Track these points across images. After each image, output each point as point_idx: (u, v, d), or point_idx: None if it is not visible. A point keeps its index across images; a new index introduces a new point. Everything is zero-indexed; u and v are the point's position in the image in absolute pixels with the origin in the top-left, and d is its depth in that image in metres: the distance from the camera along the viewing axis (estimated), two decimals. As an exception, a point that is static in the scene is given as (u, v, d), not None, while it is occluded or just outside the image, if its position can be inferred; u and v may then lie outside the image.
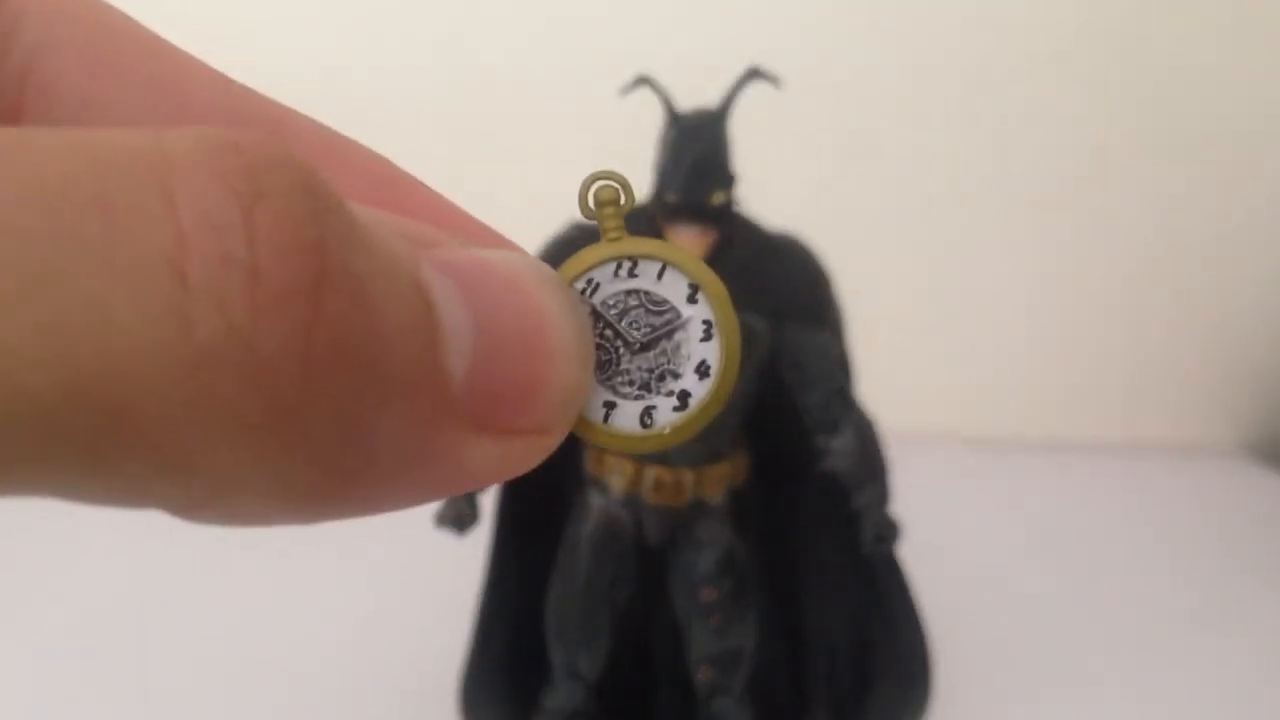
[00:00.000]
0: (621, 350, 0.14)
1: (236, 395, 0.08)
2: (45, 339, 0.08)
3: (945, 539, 0.48)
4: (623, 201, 0.14)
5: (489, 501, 0.35)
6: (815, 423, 0.33)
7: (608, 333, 0.14)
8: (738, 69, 0.31)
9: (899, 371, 0.61)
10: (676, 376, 0.14)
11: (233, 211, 0.08)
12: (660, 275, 0.14)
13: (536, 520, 0.37)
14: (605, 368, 0.14)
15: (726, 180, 0.31)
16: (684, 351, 0.14)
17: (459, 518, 0.33)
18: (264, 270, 0.08)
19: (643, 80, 0.32)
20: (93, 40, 0.13)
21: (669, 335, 0.14)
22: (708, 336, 0.14)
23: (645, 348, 0.14)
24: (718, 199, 0.31)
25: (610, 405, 0.14)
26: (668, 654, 0.37)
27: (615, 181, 0.14)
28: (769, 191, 0.36)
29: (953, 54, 0.65)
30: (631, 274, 0.14)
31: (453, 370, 0.10)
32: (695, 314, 0.14)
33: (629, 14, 0.64)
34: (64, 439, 0.08)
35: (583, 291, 0.14)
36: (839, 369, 0.33)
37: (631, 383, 0.14)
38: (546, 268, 0.12)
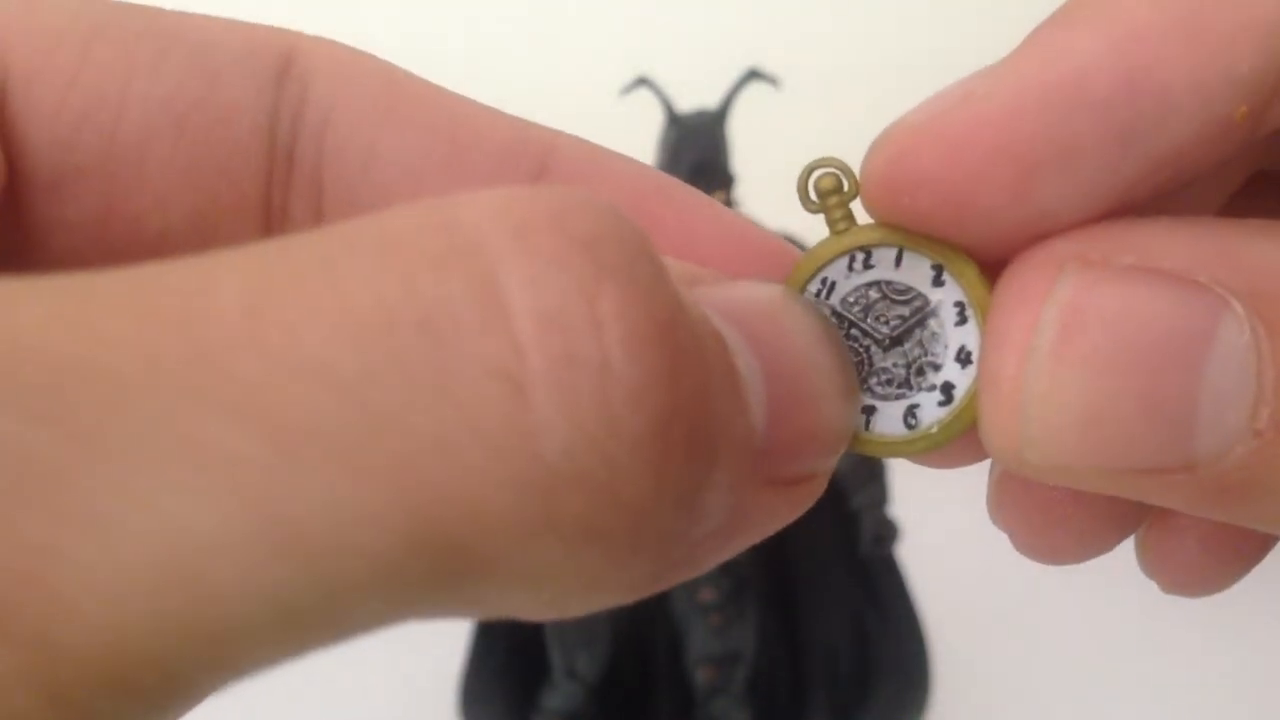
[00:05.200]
0: (872, 349, 0.12)
1: (589, 510, 0.07)
2: (381, 492, 0.07)
3: (945, 539, 0.48)
4: (846, 189, 0.12)
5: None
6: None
7: (854, 332, 0.12)
8: (738, 69, 0.31)
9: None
10: (936, 368, 0.12)
11: (576, 303, 0.07)
12: (898, 261, 0.12)
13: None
14: (858, 370, 0.12)
15: (726, 180, 0.31)
16: (940, 340, 0.12)
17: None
18: (616, 365, 0.07)
19: (642, 80, 0.32)
20: (373, 93, 0.13)
21: (920, 324, 0.12)
22: (962, 319, 0.12)
23: (896, 342, 0.12)
24: (717, 199, 0.31)
25: (870, 410, 0.12)
26: (668, 654, 0.37)
27: (835, 168, 0.12)
28: (769, 191, 0.36)
29: (953, 54, 0.65)
30: (867, 265, 0.12)
31: (757, 425, 0.09)
32: (944, 297, 0.12)
33: (629, 14, 0.64)
34: (408, 588, 0.07)
35: (818, 293, 0.12)
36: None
37: (889, 381, 0.12)
38: (790, 297, 0.11)
